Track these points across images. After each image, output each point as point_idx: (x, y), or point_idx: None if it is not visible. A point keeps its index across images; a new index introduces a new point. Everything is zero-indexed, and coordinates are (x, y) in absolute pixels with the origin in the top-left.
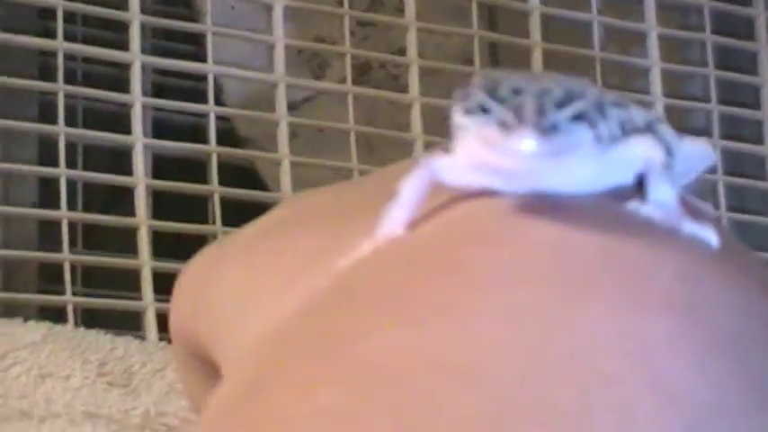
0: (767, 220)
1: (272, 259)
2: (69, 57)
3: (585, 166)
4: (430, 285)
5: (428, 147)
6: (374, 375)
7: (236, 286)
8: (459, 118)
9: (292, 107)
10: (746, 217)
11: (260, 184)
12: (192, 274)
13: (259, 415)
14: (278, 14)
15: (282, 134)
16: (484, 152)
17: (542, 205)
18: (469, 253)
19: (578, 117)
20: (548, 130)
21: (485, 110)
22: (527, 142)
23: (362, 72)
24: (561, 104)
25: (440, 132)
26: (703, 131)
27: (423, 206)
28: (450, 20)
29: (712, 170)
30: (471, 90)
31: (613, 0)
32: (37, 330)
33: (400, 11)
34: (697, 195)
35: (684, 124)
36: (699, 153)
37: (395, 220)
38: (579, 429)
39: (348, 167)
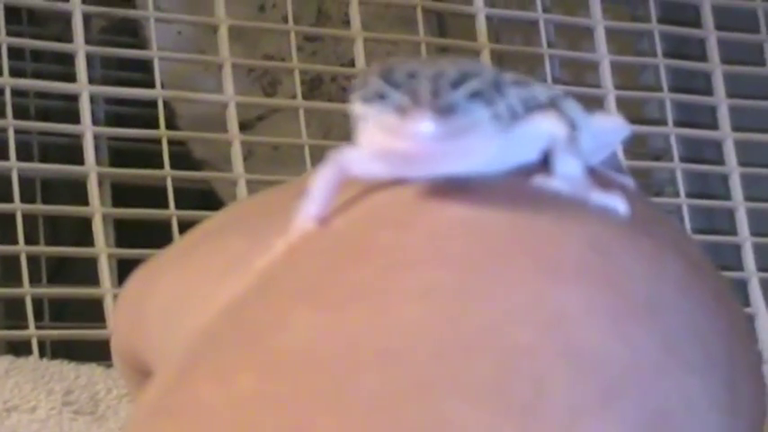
0: (728, 204)
1: (200, 266)
2: (20, 93)
3: (487, 145)
4: (342, 273)
5: None
6: (290, 361)
7: (167, 295)
8: (357, 107)
9: (247, 126)
10: (707, 202)
11: (220, 206)
12: (128, 293)
13: (178, 405)
14: (223, 35)
15: (236, 154)
16: (385, 139)
17: (449, 187)
18: (379, 239)
19: (475, 96)
20: (444, 110)
21: (382, 96)
22: (424, 124)
23: (314, 87)
24: (456, 85)
25: None
26: (658, 120)
27: (335, 200)
28: (398, 27)
29: (670, 158)
30: (368, 78)
31: None
32: None
33: (347, 23)
34: (656, 183)
35: (640, 115)
36: (612, 127)
37: (306, 215)
38: (495, 400)
39: None
